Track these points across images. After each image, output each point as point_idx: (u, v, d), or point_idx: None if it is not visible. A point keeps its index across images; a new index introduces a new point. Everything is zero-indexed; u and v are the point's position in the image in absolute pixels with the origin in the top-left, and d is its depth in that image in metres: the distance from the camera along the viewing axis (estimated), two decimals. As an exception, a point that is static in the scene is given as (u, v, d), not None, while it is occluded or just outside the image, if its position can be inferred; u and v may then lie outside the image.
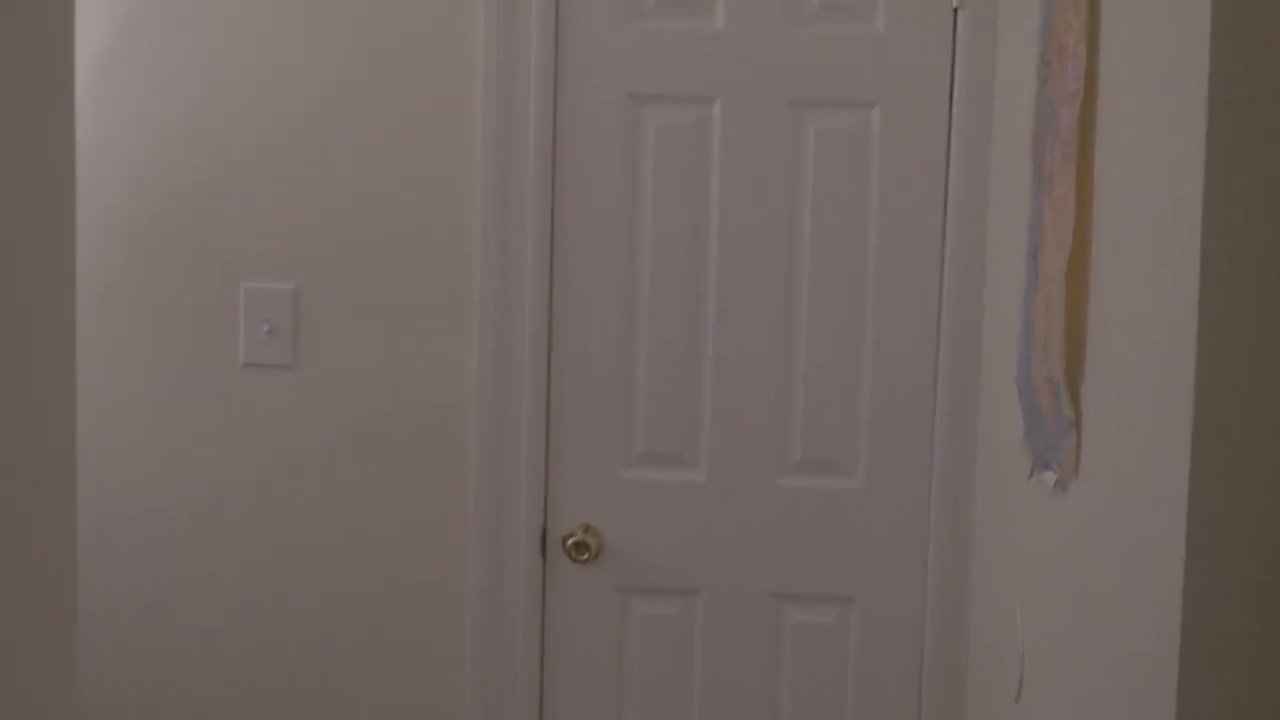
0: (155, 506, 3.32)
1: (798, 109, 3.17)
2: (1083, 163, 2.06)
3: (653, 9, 3.17)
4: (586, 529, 3.27)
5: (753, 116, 3.17)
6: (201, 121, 3.25)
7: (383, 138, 3.23)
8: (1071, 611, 2.15)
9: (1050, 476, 2.23)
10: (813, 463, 3.25)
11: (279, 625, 3.34)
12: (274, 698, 3.35)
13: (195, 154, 3.25)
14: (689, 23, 3.17)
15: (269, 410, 3.27)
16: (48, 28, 1.62)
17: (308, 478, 3.29)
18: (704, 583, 3.29)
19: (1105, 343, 1.97)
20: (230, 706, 3.36)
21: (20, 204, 1.57)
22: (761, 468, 3.25)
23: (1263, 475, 1.48)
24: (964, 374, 3.16)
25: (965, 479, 3.17)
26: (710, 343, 3.23)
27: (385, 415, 3.27)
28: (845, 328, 3.20)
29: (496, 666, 3.29)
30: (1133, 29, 1.87)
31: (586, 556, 3.25)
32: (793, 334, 3.21)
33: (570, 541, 3.25)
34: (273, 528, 3.31)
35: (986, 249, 3.10)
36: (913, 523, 3.23)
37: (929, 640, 3.24)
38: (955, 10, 3.11)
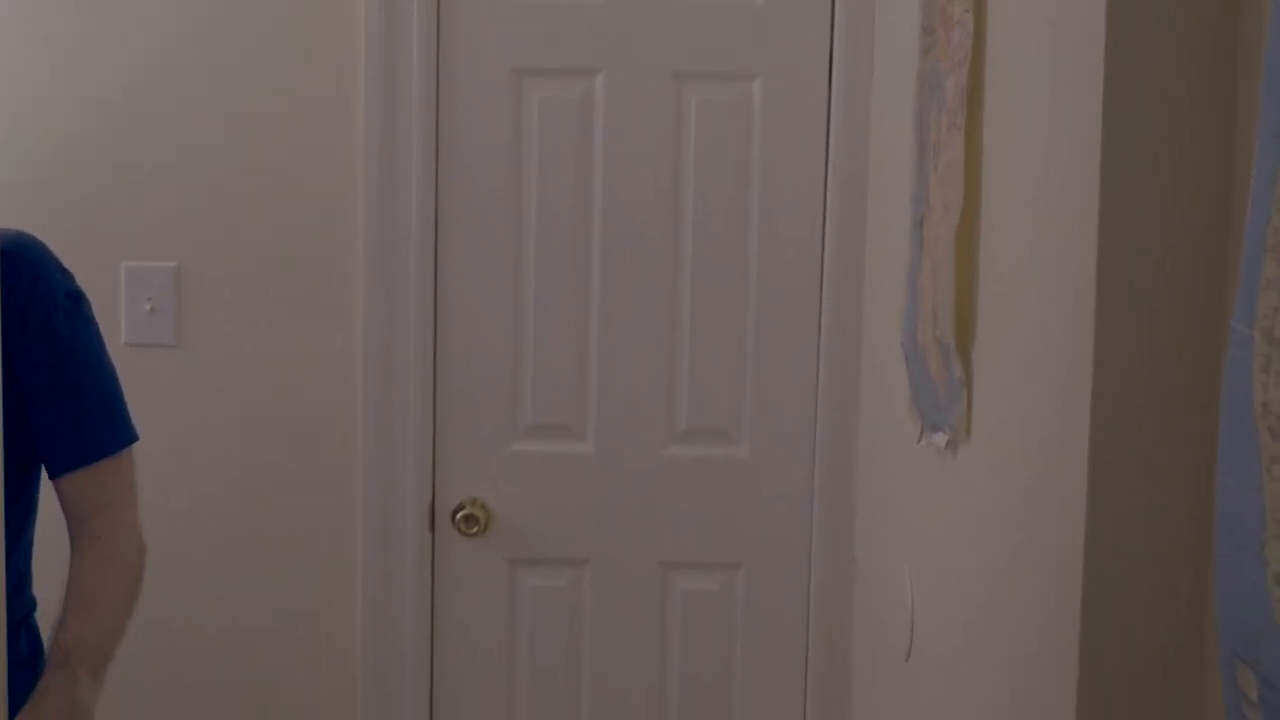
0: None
1: (680, 81, 3.19)
2: (970, 130, 2.11)
3: (535, -18, 3.18)
4: (475, 502, 3.28)
5: (636, 89, 3.19)
6: (77, 98, 3.21)
7: (263, 114, 3.21)
8: (964, 571, 2.20)
9: (941, 438, 2.27)
10: (699, 432, 3.28)
11: (164, 604, 3.31)
12: (159, 677, 3.32)
13: (71, 130, 3.21)
14: (571, -4, 3.19)
15: (153, 390, 3.24)
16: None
17: (193, 457, 3.27)
18: (592, 553, 3.31)
19: (997, 305, 2.02)
20: (112, 684, 3.33)
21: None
22: (648, 438, 3.28)
23: (1163, 431, 1.53)
24: (846, 342, 3.21)
25: (849, 445, 3.23)
26: (596, 315, 3.25)
27: (272, 392, 3.26)
28: (729, 298, 3.24)
29: (387, 640, 3.29)
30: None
31: (475, 530, 3.26)
32: (677, 305, 3.24)
33: (459, 515, 3.26)
34: (159, 507, 3.27)
35: (868, 218, 3.15)
36: (797, 489, 3.27)
37: (814, 604, 3.29)
38: (834, -17, 3.15)
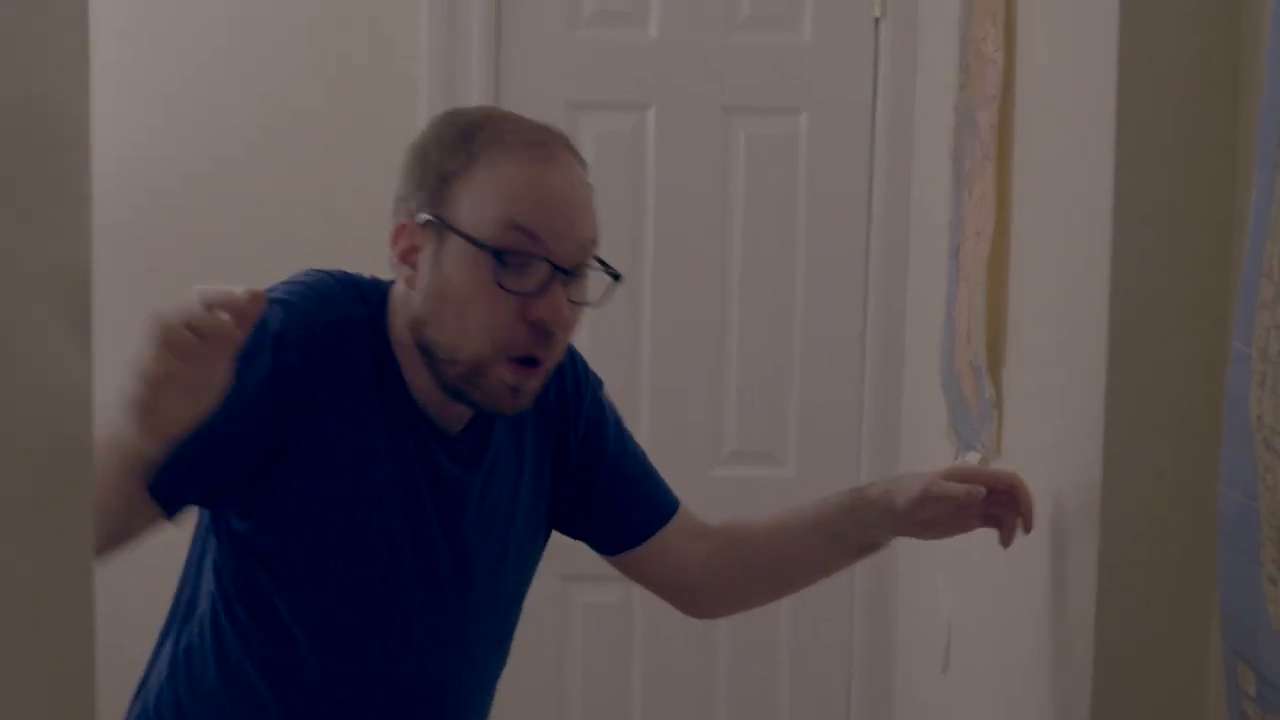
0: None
1: (729, 114, 3.30)
2: (1001, 162, 2.20)
3: (590, 19, 3.29)
4: (529, 520, 3.36)
5: (686, 122, 3.30)
6: (156, 133, 3.32)
7: (327, 147, 3.31)
8: (996, 585, 2.28)
9: (975, 456, 2.36)
10: (746, 454, 3.37)
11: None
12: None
13: (150, 163, 3.32)
14: (625, 32, 3.29)
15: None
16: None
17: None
18: (642, 570, 3.39)
19: (1025, 328, 2.11)
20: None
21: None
22: (697, 459, 3.36)
23: (1173, 442, 1.62)
24: (889, 365, 3.30)
25: (891, 465, 3.30)
26: (647, 339, 3.35)
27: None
28: (776, 323, 3.34)
29: (444, 654, 3.38)
30: (1046, 36, 2.01)
31: (530, 546, 3.34)
32: (726, 330, 3.34)
33: (514, 532, 3.35)
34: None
35: (909, 247, 3.24)
36: (842, 509, 3.35)
37: (857, 618, 3.37)
38: (877, 20, 3.25)
